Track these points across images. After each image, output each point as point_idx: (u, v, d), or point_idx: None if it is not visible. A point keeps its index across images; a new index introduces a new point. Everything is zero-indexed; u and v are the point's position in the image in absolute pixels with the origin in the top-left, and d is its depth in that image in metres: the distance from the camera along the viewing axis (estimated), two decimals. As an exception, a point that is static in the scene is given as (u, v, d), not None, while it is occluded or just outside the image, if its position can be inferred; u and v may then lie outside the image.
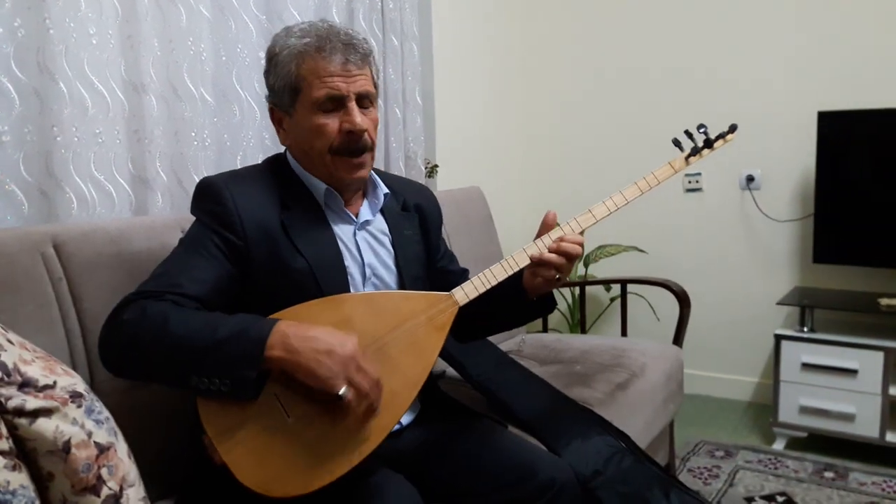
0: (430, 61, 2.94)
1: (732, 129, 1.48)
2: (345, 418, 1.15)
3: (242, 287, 1.30)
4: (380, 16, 2.59)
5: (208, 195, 1.32)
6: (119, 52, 1.75)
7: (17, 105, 1.55)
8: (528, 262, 1.34)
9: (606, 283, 2.93)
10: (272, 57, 1.36)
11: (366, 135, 1.35)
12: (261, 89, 2.15)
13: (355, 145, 1.34)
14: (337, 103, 1.32)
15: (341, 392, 1.12)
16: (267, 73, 1.39)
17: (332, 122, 1.32)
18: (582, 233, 1.38)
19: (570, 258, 1.32)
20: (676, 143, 1.48)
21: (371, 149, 1.38)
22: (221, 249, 1.28)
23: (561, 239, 1.33)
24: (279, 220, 1.33)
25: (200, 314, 1.18)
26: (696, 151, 1.45)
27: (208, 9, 1.98)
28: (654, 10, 3.36)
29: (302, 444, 1.15)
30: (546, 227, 1.37)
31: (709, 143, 1.46)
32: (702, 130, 1.45)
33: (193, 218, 1.36)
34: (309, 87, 1.32)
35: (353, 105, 1.33)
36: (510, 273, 1.34)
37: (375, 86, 1.40)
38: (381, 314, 1.26)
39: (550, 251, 1.32)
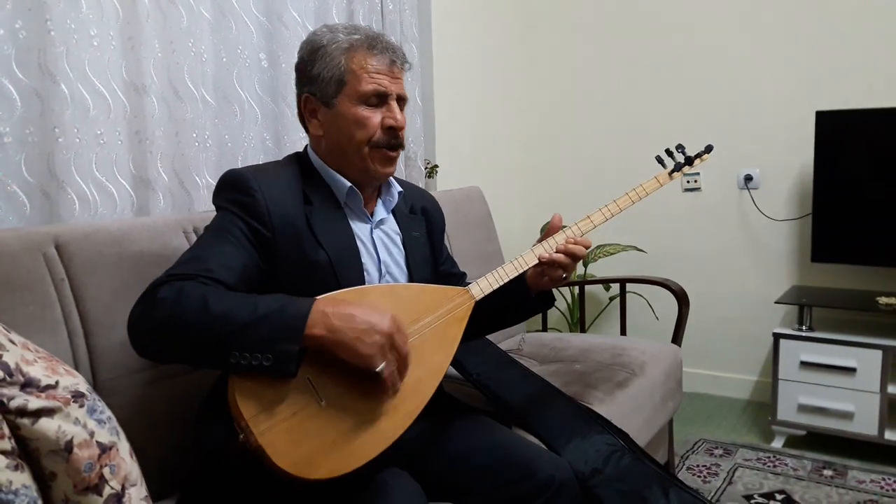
0: (430, 62, 2.95)
1: (708, 149, 1.65)
2: (377, 394, 1.20)
3: (266, 277, 1.32)
4: (379, 17, 2.59)
5: (237, 186, 1.33)
6: (120, 53, 1.76)
7: (18, 106, 1.56)
8: (536, 261, 1.43)
9: (606, 282, 2.94)
10: (318, 48, 1.40)
11: (401, 133, 1.42)
12: (261, 90, 2.16)
13: (395, 141, 1.41)
14: (381, 99, 1.39)
15: (379, 369, 1.16)
16: (306, 64, 1.42)
17: (374, 117, 1.38)
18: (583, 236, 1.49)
19: (576, 258, 1.43)
20: (659, 160, 1.62)
21: (403, 147, 1.45)
22: (249, 239, 1.30)
23: (568, 241, 1.43)
24: (303, 214, 1.36)
25: (237, 294, 1.20)
26: (678, 168, 1.60)
27: (209, 10, 1.99)
28: (652, 10, 3.37)
29: (334, 427, 1.18)
30: (553, 229, 1.47)
31: (689, 161, 1.61)
32: (680, 150, 1.61)
33: (195, 218, 1.38)
34: (357, 80, 1.37)
35: (394, 103, 1.40)
36: (521, 271, 1.44)
37: None
38: (404, 305, 1.30)
39: (558, 252, 1.42)
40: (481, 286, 1.40)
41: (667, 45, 3.35)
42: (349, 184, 1.42)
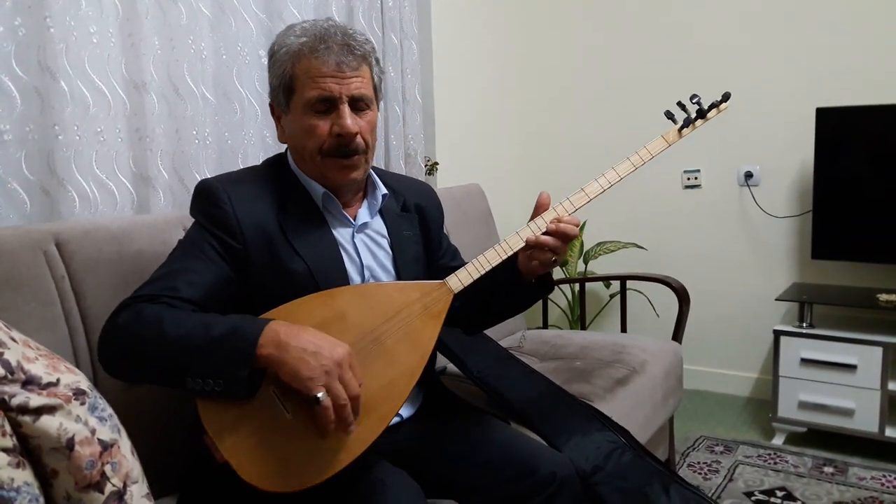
0: (430, 59, 2.95)
1: (726, 97, 1.47)
2: (317, 424, 1.12)
3: (240, 290, 1.30)
4: (379, 14, 2.59)
5: (206, 198, 1.32)
6: (120, 50, 1.75)
7: (18, 104, 1.56)
8: (522, 245, 1.33)
9: (606, 279, 2.94)
10: (272, 55, 1.36)
11: (358, 138, 1.33)
12: (261, 87, 2.16)
13: (345, 148, 1.33)
14: (329, 105, 1.31)
15: (319, 395, 1.09)
16: (268, 71, 1.39)
17: (323, 124, 1.32)
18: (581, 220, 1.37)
19: (566, 239, 1.31)
20: (669, 115, 1.46)
21: (365, 151, 1.37)
22: (220, 253, 1.28)
23: (556, 220, 1.32)
24: (277, 222, 1.33)
25: (195, 315, 1.19)
26: (688, 123, 1.44)
27: (208, 7, 1.98)
28: (653, 6, 3.37)
29: (302, 439, 1.16)
30: (540, 208, 1.36)
31: (702, 114, 1.44)
32: (695, 101, 1.45)
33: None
34: (302, 87, 1.31)
35: (344, 108, 1.31)
36: (504, 257, 1.34)
37: (376, 87, 1.39)
38: (375, 306, 1.26)
39: (546, 233, 1.31)
40: (460, 277, 1.32)
41: (667, 42, 3.35)
42: (323, 189, 1.38)
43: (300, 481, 1.14)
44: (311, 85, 1.30)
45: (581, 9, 3.55)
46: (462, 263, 1.58)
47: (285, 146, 1.47)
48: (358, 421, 1.14)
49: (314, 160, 1.35)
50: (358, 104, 1.34)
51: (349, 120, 1.31)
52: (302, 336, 1.13)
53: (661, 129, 1.50)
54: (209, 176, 1.93)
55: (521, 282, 1.40)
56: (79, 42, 1.64)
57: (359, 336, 1.22)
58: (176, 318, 1.15)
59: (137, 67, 1.78)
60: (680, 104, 1.45)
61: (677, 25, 3.31)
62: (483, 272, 1.33)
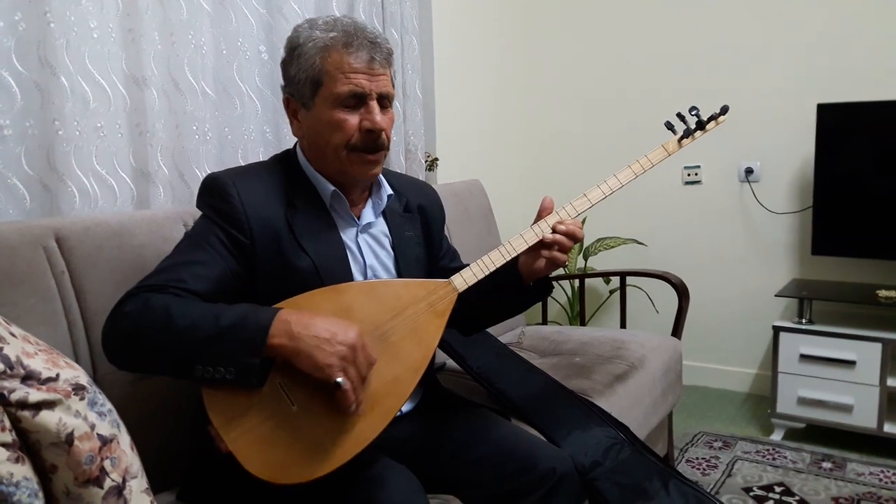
0: (430, 55, 2.94)
1: (724, 110, 1.50)
2: (340, 407, 1.15)
3: (245, 285, 1.30)
4: (380, 9, 2.58)
5: (215, 191, 1.32)
6: (120, 45, 1.75)
7: (18, 99, 1.56)
8: (525, 247, 1.36)
9: (606, 275, 2.94)
10: (295, 48, 1.35)
11: (383, 134, 1.35)
12: (262, 83, 2.15)
13: (373, 144, 1.34)
14: (358, 100, 1.32)
15: (339, 380, 1.12)
16: (286, 64, 1.38)
17: (352, 119, 1.32)
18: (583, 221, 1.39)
19: (572, 239, 1.36)
20: (669, 126, 1.49)
21: (387, 148, 1.38)
22: (227, 246, 1.28)
23: (561, 221, 1.36)
24: (285, 218, 1.33)
25: (203, 304, 1.19)
26: (688, 134, 1.47)
27: (209, 2, 1.98)
28: (653, 3, 3.36)
29: (307, 431, 1.17)
30: (544, 212, 1.39)
31: (701, 125, 1.47)
32: (693, 113, 1.48)
33: (195, 211, 1.37)
34: (332, 81, 1.31)
35: (374, 104, 1.33)
36: (508, 258, 1.36)
37: (393, 86, 1.41)
38: (382, 302, 1.27)
39: (554, 231, 1.35)
40: (465, 276, 1.33)
41: (668, 37, 3.34)
42: (332, 188, 1.38)
43: (303, 474, 1.15)
44: (343, 80, 1.31)
45: (583, 3, 3.54)
46: (462, 265, 1.60)
47: (294, 143, 1.46)
48: (362, 410, 1.17)
49: (338, 155, 1.34)
50: (382, 102, 1.35)
51: (379, 116, 1.33)
52: (313, 323, 1.14)
53: (660, 121, 1.50)
54: (209, 171, 1.94)
55: (521, 284, 1.42)
56: (79, 37, 1.64)
57: (365, 332, 1.22)
58: (184, 307, 1.16)
59: (138, 62, 1.78)
60: (679, 115, 1.47)
61: (680, 21, 3.30)
62: (487, 272, 1.35)
